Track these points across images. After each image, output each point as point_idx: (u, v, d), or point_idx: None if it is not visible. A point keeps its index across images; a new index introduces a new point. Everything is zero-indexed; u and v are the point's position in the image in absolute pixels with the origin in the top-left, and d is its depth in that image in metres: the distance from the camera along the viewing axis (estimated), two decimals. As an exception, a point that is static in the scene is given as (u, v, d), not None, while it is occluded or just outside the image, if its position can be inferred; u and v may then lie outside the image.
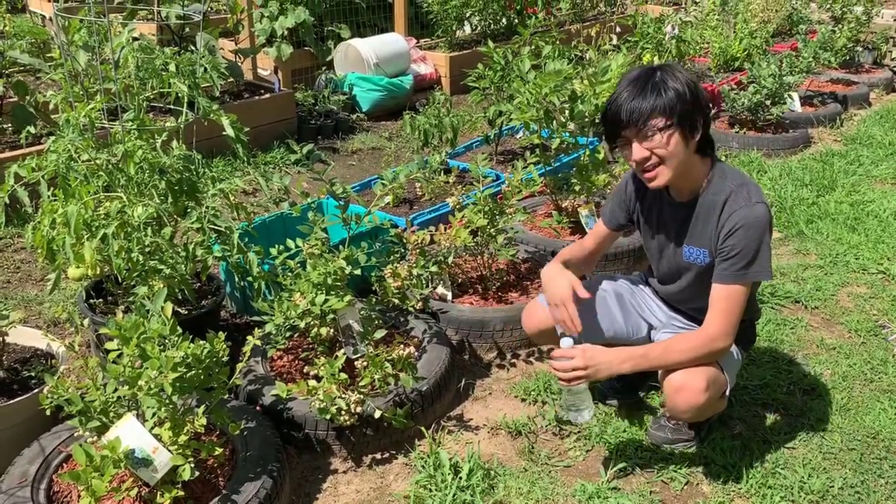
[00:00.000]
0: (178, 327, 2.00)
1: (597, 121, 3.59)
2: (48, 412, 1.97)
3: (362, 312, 2.57)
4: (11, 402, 2.24)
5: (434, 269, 2.92)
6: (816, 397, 2.62)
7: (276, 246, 2.58)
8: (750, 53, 6.18)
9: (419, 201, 3.91)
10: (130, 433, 1.89)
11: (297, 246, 2.56)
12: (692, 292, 2.24)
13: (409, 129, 4.02)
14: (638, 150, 1.98)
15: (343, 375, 2.33)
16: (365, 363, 2.41)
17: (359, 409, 2.29)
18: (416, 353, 2.57)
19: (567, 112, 3.27)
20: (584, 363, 1.97)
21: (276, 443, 2.21)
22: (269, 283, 2.50)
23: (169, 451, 1.90)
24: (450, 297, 3.01)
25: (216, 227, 2.35)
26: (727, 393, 2.17)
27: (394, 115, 5.83)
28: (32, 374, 2.40)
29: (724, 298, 2.02)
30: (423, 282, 2.93)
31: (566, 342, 2.02)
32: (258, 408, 2.38)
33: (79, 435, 2.03)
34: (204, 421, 1.96)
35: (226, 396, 2.12)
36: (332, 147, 5.25)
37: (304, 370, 2.53)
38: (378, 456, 2.37)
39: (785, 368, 2.77)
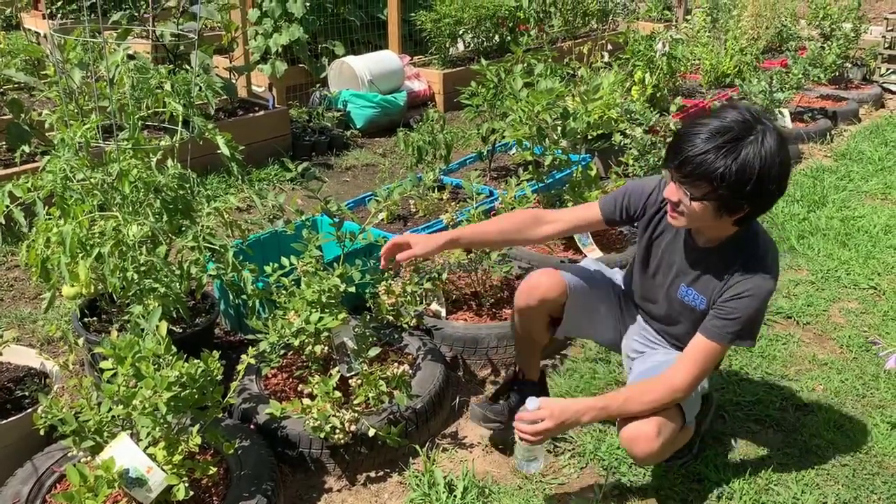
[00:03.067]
0: (173, 346, 2.00)
1: (589, 137, 3.62)
2: (42, 432, 1.97)
3: (356, 330, 2.58)
4: (4, 421, 2.23)
5: (428, 285, 2.94)
6: (809, 413, 2.64)
7: (271, 264, 2.58)
8: (740, 70, 6.24)
9: (413, 218, 3.93)
10: (125, 453, 1.89)
11: (291, 264, 2.57)
12: (671, 320, 2.21)
13: (403, 146, 4.05)
14: (671, 191, 1.91)
15: (337, 394, 2.33)
16: (359, 381, 2.41)
17: (353, 428, 2.29)
18: (410, 371, 2.58)
19: (559, 129, 3.29)
20: (553, 424, 1.91)
21: (271, 462, 2.21)
22: (263, 301, 2.51)
23: (163, 470, 1.90)
24: (444, 313, 3.02)
25: (211, 246, 2.35)
26: (688, 423, 2.10)
27: (388, 131, 5.86)
28: (26, 393, 2.40)
29: (701, 351, 1.98)
30: (417, 298, 2.94)
31: (532, 403, 1.96)
32: (252, 426, 2.38)
33: (72, 455, 2.02)
34: (199, 440, 1.96)
35: (220, 415, 2.11)
36: (327, 163, 5.27)
37: (299, 388, 2.53)
38: (372, 474, 2.37)
39: (777, 384, 2.78)
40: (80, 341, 2.35)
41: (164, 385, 1.89)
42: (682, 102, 4.75)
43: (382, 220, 3.64)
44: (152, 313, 2.06)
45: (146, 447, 1.93)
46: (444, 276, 3.00)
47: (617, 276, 2.48)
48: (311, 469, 2.36)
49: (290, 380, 2.62)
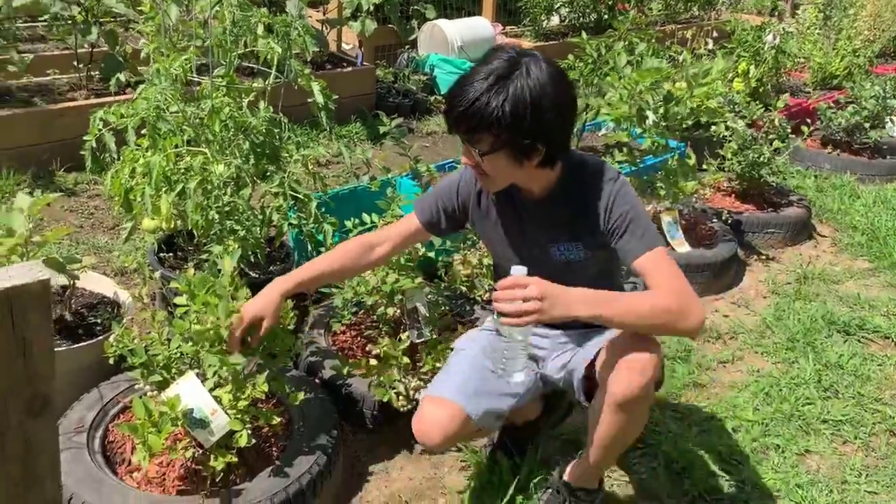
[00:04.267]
0: (248, 289, 1.95)
1: (685, 125, 3.44)
2: (111, 361, 1.95)
3: (429, 297, 2.50)
4: (76, 346, 2.24)
5: (506, 259, 2.83)
6: (902, 442, 2.45)
7: (352, 219, 2.52)
8: (851, 72, 5.88)
9: (493, 190, 3.81)
10: (190, 392, 1.85)
11: (372, 221, 2.50)
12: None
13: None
14: (465, 154, 1.76)
15: (405, 359, 2.25)
16: (428, 349, 2.33)
17: (418, 396, 2.21)
18: (481, 345, 2.49)
19: (661, 112, 3.12)
20: (539, 292, 1.58)
21: (333, 419, 2.15)
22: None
23: (227, 414, 1.86)
24: (519, 290, 2.91)
25: (295, 194, 2.29)
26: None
27: (472, 100, 5.73)
28: (98, 320, 2.39)
29: (653, 262, 1.72)
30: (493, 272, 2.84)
31: (518, 269, 1.66)
32: (317, 381, 2.33)
33: (138, 387, 2.00)
34: (265, 388, 1.90)
35: (288, 365, 2.06)
36: (408, 127, 5.19)
37: (367, 348, 2.47)
38: (433, 446, 2.30)
39: (870, 407, 2.59)
40: (156, 275, 2.33)
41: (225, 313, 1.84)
42: (789, 100, 4.49)
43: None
44: (231, 255, 2.02)
45: (212, 389, 1.89)
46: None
47: (489, 325, 2.13)
48: (371, 431, 2.30)
49: (359, 338, 2.55)
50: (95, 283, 2.58)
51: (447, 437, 1.86)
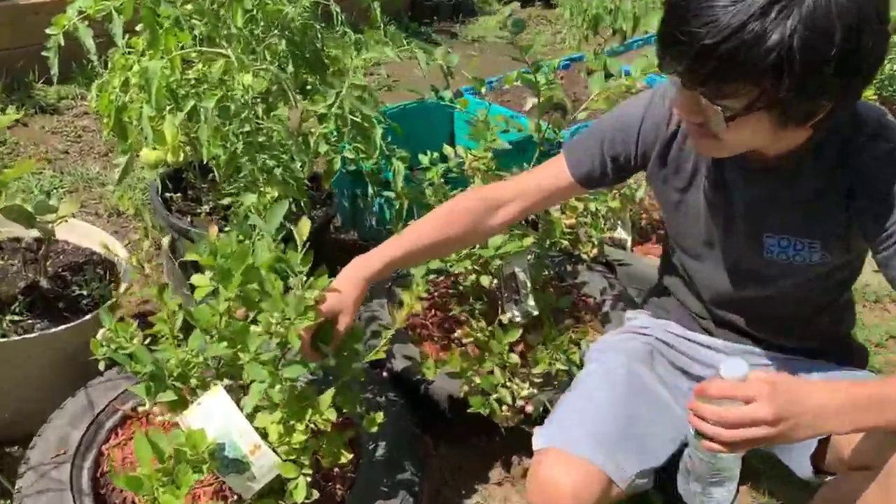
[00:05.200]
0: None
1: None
2: (102, 366, 1.33)
3: (530, 258, 1.85)
4: (54, 329, 1.60)
5: (615, 204, 2.18)
6: None
7: (428, 152, 1.84)
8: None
9: (571, 110, 3.11)
10: (220, 418, 1.23)
11: (457, 154, 1.82)
12: (779, 303, 1.32)
13: (570, 16, 3.17)
14: (685, 107, 1.07)
15: (514, 358, 1.61)
16: (542, 340, 1.69)
17: (529, 409, 1.59)
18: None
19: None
20: (773, 414, 0.97)
21: (414, 433, 1.55)
22: (414, 205, 1.78)
23: (276, 452, 1.24)
24: (629, 243, 2.27)
25: (354, 117, 1.61)
26: None
27: (523, -1, 4.97)
28: (83, 292, 1.75)
29: None
30: (601, 221, 2.18)
31: (735, 366, 1.00)
32: (385, 374, 1.72)
33: (145, 408, 1.38)
34: (333, 415, 1.27)
35: (360, 368, 1.43)
36: (450, 31, 4.46)
37: (446, 326, 1.85)
38: (543, 465, 1.70)
39: None
40: (165, 242, 1.68)
41: (299, 311, 1.21)
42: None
43: (534, 106, 2.86)
44: (273, 208, 1.35)
45: (252, 414, 1.26)
46: (642, 193, 2.22)
47: (640, 321, 1.52)
48: (459, 443, 1.70)
49: (434, 312, 1.91)
50: (82, 234, 1.93)
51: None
